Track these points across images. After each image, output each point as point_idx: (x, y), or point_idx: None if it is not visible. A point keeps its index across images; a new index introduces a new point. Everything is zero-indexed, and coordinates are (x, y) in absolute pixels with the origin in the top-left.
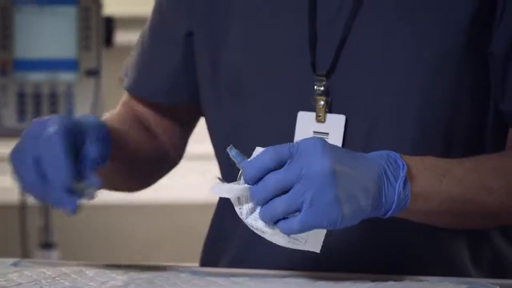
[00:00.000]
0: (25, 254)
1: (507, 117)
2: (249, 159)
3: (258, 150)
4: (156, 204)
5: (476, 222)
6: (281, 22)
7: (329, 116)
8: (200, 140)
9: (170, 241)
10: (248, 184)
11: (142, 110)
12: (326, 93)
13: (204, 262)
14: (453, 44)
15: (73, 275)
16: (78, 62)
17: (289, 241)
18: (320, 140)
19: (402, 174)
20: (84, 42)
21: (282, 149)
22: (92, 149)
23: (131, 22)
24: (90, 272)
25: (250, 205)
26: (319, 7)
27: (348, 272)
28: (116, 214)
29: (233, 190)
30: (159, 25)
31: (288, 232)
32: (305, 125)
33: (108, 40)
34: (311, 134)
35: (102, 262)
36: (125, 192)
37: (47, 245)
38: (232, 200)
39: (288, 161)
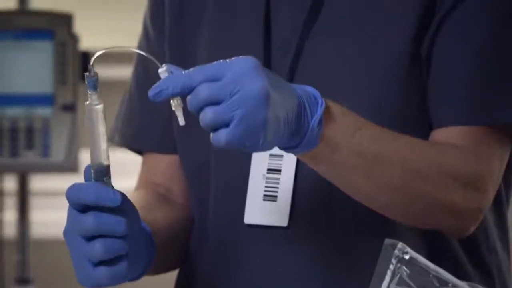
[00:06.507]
0: None
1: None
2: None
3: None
4: None
5: (402, 183)
6: (238, 48)
7: None
8: None
9: None
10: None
11: (157, 171)
12: None
13: None
14: (399, 63)
15: None
16: (54, 97)
17: None
18: (253, 60)
19: (319, 111)
20: (60, 77)
21: (212, 67)
22: None
23: (107, 57)
24: None
25: None
26: (273, 32)
27: None
28: None
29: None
30: (144, 75)
31: (216, 144)
32: None
33: (84, 75)
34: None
35: None
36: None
37: (23, 281)
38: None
39: (223, 78)
